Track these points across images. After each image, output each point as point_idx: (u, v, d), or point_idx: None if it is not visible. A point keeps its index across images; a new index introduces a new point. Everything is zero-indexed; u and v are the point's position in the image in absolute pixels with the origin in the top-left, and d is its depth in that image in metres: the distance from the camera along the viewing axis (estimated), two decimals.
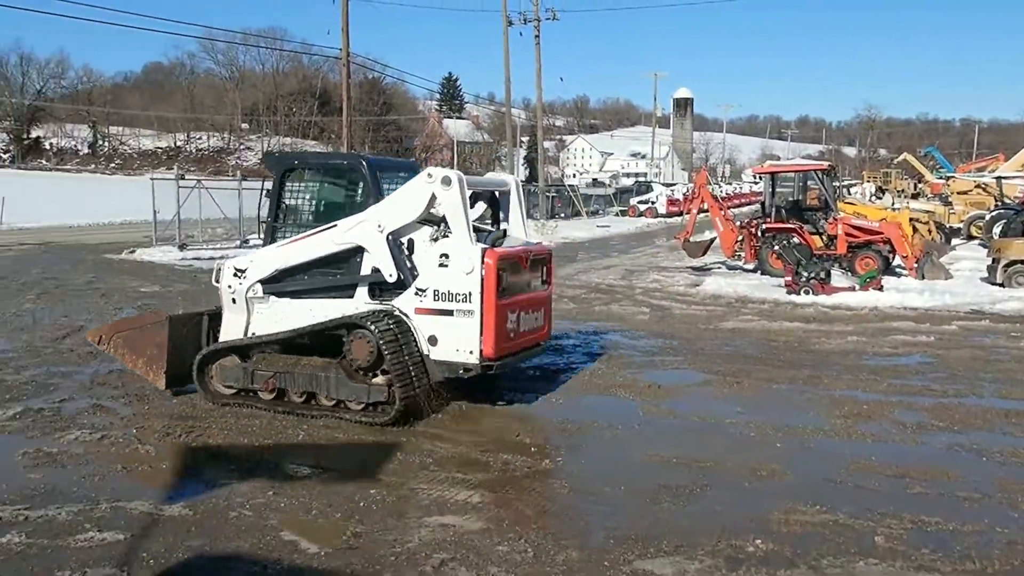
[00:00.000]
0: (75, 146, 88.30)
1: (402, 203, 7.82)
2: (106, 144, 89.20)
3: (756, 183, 55.89)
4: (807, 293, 15.79)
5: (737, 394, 8.88)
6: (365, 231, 7.86)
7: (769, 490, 6.16)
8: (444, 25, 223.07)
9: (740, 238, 20.48)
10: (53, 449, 6.93)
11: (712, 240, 21.71)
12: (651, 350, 11.13)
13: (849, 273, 18.25)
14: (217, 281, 8.52)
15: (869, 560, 4.92)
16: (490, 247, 7.72)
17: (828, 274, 16.34)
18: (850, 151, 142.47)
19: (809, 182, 21.47)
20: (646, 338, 12.02)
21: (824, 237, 19.26)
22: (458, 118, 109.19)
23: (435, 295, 7.71)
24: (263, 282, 8.32)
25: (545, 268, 8.74)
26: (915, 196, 42.22)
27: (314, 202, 8.72)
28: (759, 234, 19.94)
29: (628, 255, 26.28)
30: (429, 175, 7.75)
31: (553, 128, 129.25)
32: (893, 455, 6.87)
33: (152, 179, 25.99)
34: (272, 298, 8.36)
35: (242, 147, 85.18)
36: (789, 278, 16.37)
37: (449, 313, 7.67)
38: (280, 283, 8.33)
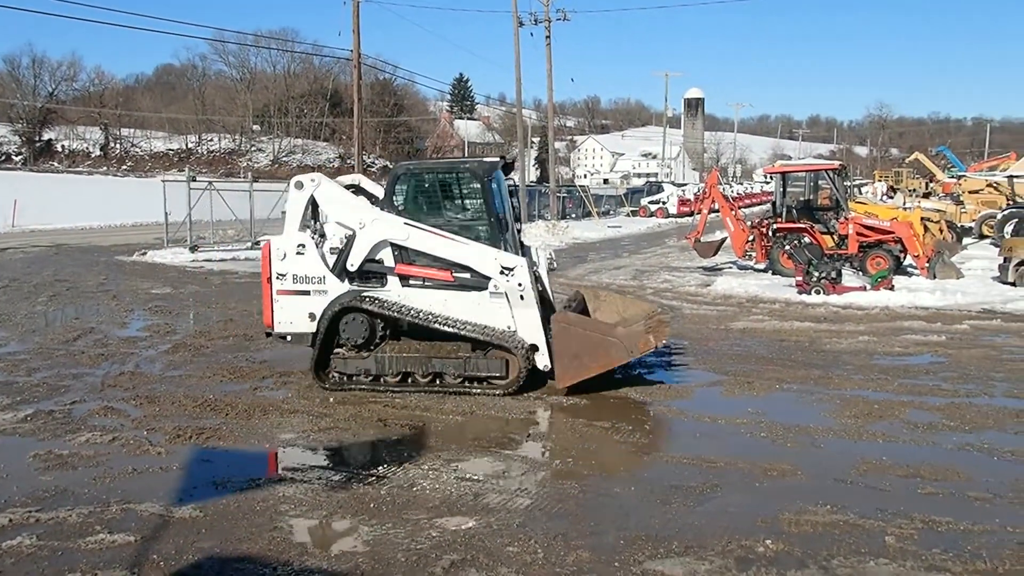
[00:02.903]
0: (87, 148, 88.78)
1: None
2: (118, 146, 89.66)
3: (767, 183, 55.65)
4: (818, 293, 15.73)
5: (748, 394, 8.86)
6: None
7: (780, 490, 6.14)
8: (455, 26, 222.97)
9: (751, 238, 20.41)
10: (64, 451, 6.97)
11: (723, 240, 21.66)
12: (662, 350, 11.08)
13: (860, 273, 18.17)
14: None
15: (880, 560, 4.90)
16: None
17: (839, 274, 16.26)
18: (861, 151, 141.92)
19: (820, 182, 21.36)
20: None
21: (835, 237, 19.18)
22: (469, 119, 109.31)
23: None
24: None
25: None
26: (927, 195, 41.88)
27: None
28: (770, 234, 19.88)
29: (639, 255, 26.24)
30: None
31: (564, 128, 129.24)
32: (904, 455, 6.84)
33: (163, 181, 26.16)
34: None
35: (253, 148, 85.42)
36: (800, 278, 16.30)
37: None
38: None
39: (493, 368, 8.77)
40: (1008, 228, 23.16)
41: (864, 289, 16.03)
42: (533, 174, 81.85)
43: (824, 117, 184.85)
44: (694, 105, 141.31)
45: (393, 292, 8.95)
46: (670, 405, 8.41)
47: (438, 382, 8.97)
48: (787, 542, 5.16)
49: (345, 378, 9.09)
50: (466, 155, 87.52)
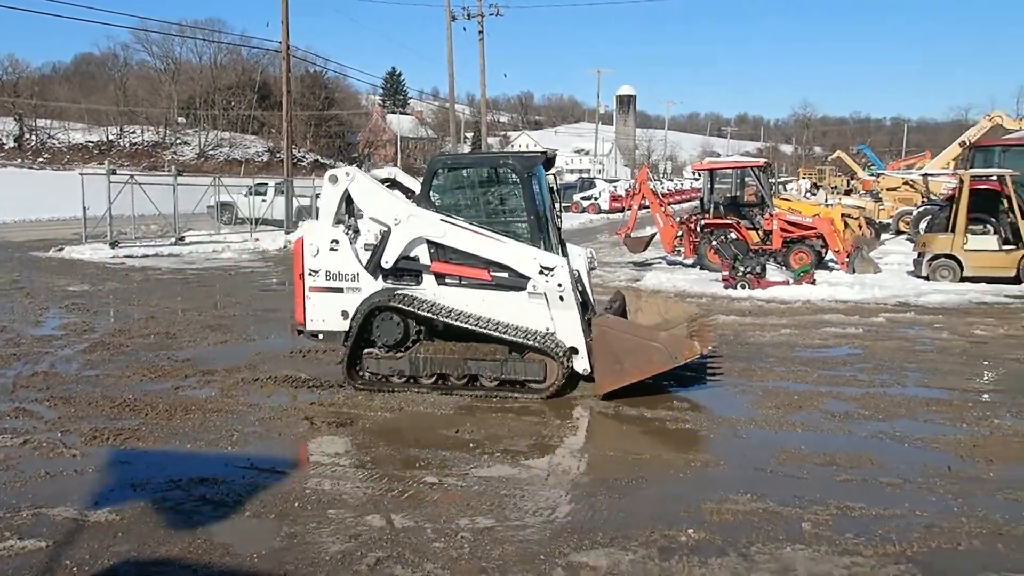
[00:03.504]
0: (0, 140, 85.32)
1: None
2: (33, 138, 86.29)
3: (696, 179, 56.65)
4: (743, 287, 16.07)
5: (673, 387, 8.98)
6: None
7: (703, 480, 6.27)
8: (388, 19, 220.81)
9: (680, 234, 20.76)
10: None
11: (653, 236, 21.97)
12: None
13: (784, 267, 18.65)
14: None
15: (796, 546, 5.04)
16: None
17: (764, 268, 16.65)
18: (787, 148, 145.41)
19: (746, 179, 21.81)
20: None
21: (760, 232, 19.62)
22: (402, 113, 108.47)
23: None
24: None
25: None
26: (848, 192, 43.19)
27: None
28: (698, 230, 20.24)
29: None
30: None
31: (498, 124, 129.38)
32: (821, 444, 7.05)
33: (82, 174, 25.22)
34: None
35: (179, 141, 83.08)
36: (726, 273, 16.65)
37: None
38: None
39: (531, 372, 8.52)
40: (923, 224, 23.98)
41: (787, 283, 16.46)
42: None
43: (752, 116, 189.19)
44: (626, 102, 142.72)
45: (428, 291, 8.73)
46: (596, 400, 8.48)
47: (474, 384, 8.71)
48: (708, 531, 5.27)
49: (377, 378, 8.86)
50: (399, 149, 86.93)
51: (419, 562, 4.89)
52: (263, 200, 31.09)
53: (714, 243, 18.71)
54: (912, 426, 7.56)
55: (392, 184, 9.58)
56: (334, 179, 8.95)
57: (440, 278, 8.73)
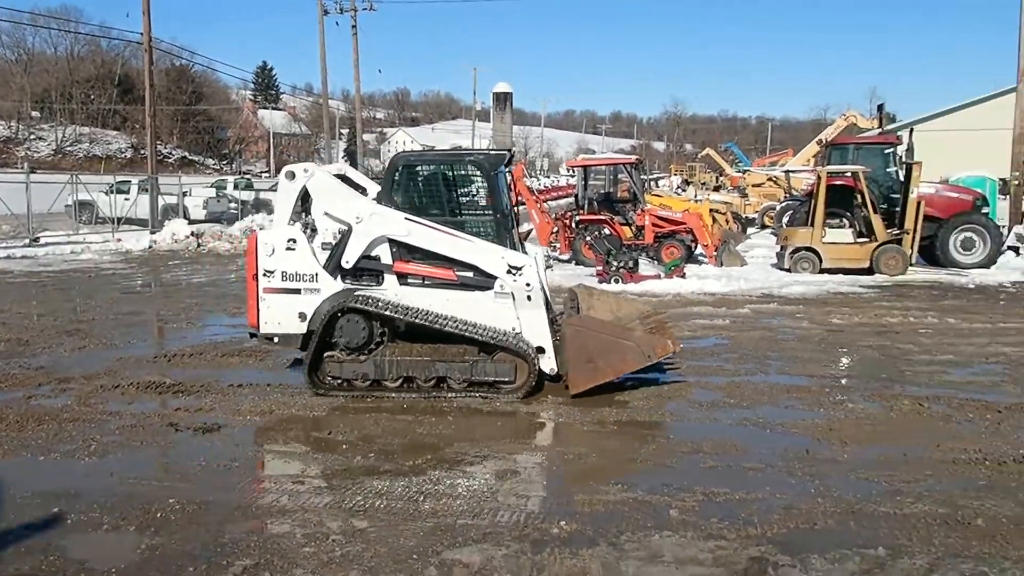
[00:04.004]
0: None
1: None
2: None
3: (571, 176, 57.58)
4: (617, 282, 16.45)
5: (546, 383, 9.09)
6: None
7: (575, 473, 6.38)
8: (258, 12, 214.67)
9: (555, 229, 21.08)
10: None
11: (529, 232, 22.16)
12: None
13: (655, 262, 19.21)
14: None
15: (664, 533, 5.19)
16: None
17: (636, 263, 17.12)
18: (659, 146, 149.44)
19: (620, 175, 22.40)
20: None
21: (633, 228, 20.14)
22: (274, 109, 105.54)
23: None
24: None
25: None
26: (716, 188, 44.92)
27: None
28: (573, 225, 20.59)
29: None
30: None
31: (374, 120, 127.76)
32: (689, 432, 7.29)
33: None
34: None
35: (32, 136, 78.24)
36: (600, 267, 17.01)
37: None
38: None
39: (501, 372, 8.33)
40: (785, 219, 25.16)
41: (659, 277, 16.96)
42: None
43: (625, 113, 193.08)
44: (503, 99, 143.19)
45: (390, 291, 8.46)
46: (472, 396, 8.46)
47: (441, 387, 8.49)
48: (580, 522, 5.36)
49: (341, 383, 8.50)
50: (271, 146, 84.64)
51: (288, 568, 4.77)
52: (126, 199, 29.74)
53: (588, 239, 19.08)
54: (774, 412, 7.91)
55: (342, 181, 9.21)
56: (291, 175, 8.60)
57: (403, 278, 8.52)
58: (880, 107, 28.62)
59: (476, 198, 8.90)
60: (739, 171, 46.44)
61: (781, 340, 11.37)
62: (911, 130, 21.69)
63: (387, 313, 8.31)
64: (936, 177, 22.28)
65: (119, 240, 26.15)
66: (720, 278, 17.02)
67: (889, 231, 18.14)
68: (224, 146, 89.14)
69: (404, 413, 7.91)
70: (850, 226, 18.68)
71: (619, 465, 6.52)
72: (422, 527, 5.33)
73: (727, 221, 23.63)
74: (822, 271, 18.02)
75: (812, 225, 18.29)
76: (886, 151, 20.23)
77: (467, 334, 8.26)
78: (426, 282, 8.53)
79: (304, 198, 8.69)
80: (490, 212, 8.68)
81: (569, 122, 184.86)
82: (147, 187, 29.62)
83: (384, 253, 8.48)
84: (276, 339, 8.63)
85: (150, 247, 24.90)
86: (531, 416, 7.89)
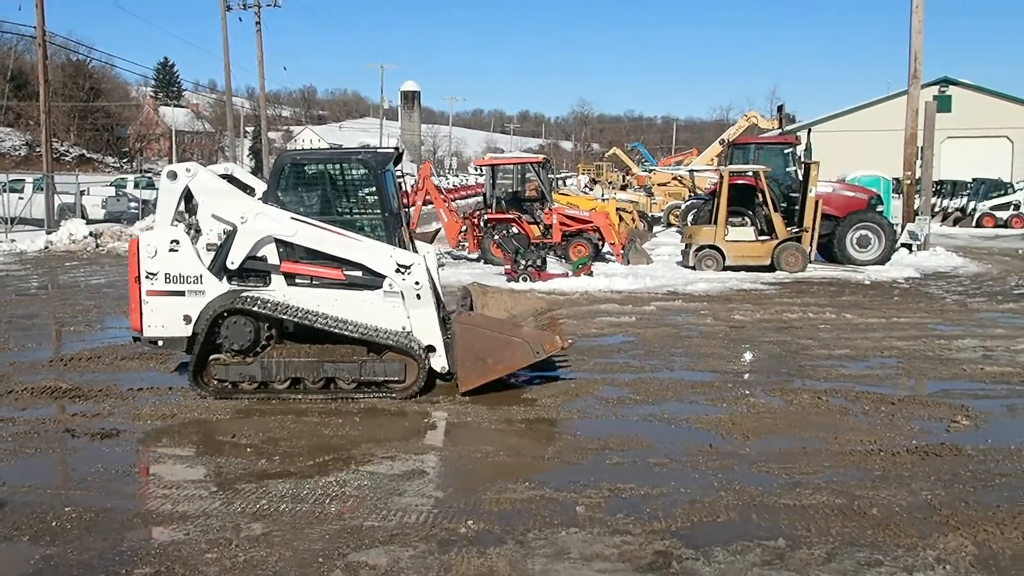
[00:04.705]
0: None
1: None
2: None
3: (480, 175, 57.64)
4: (525, 280, 16.49)
5: (448, 381, 9.03)
6: None
7: (483, 472, 6.33)
8: (158, 7, 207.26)
9: (464, 228, 21.02)
10: None
11: (437, 231, 22.05)
12: None
13: (563, 260, 19.35)
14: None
15: (571, 529, 5.19)
16: None
17: (544, 261, 17.19)
18: (567, 145, 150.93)
19: (528, 174, 22.46)
20: None
21: (541, 226, 20.25)
22: (176, 106, 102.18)
23: None
24: None
25: None
26: (623, 187, 45.58)
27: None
28: (482, 224, 20.56)
29: None
30: None
31: (280, 119, 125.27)
32: (595, 429, 7.33)
33: None
34: None
35: None
36: (509, 266, 17.02)
37: None
38: None
39: (390, 372, 8.15)
40: (690, 217, 25.70)
41: (567, 275, 17.07)
42: (248, 164, 78.26)
43: (533, 113, 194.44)
44: (410, 98, 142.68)
45: (278, 292, 8.21)
46: (379, 397, 8.34)
47: (330, 388, 8.30)
48: (488, 521, 5.32)
49: (227, 385, 8.22)
50: (174, 144, 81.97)
51: (188, 575, 4.59)
52: (20, 197, 28.45)
53: (496, 237, 19.11)
54: (679, 407, 8.03)
55: (229, 180, 8.91)
56: (173, 175, 8.34)
57: (290, 278, 8.32)
58: (780, 108, 29.66)
59: (364, 197, 8.83)
60: (645, 170, 47.35)
61: (686, 336, 11.57)
62: (809, 130, 22.51)
63: (272, 314, 8.17)
64: (833, 176, 23.09)
65: (13, 240, 24.96)
66: (627, 276, 17.24)
67: (789, 229, 18.72)
68: (124, 144, 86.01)
69: (310, 415, 7.73)
70: (752, 224, 19.19)
71: (526, 463, 6.51)
72: (328, 530, 5.20)
73: (633, 220, 24.00)
74: (725, 268, 18.45)
75: (715, 223, 18.71)
76: (786, 151, 20.84)
77: (349, 333, 8.19)
78: (314, 282, 8.39)
79: (188, 198, 8.46)
80: (378, 211, 8.62)
81: (478, 121, 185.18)
82: (42, 186, 28.35)
83: (271, 253, 8.31)
84: (160, 343, 8.38)
85: (46, 248, 23.83)
86: (439, 416, 7.82)
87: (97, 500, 5.70)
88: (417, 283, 8.20)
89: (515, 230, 19.81)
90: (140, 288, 8.26)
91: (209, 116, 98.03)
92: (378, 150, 9.11)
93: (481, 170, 32.45)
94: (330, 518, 5.40)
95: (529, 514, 5.44)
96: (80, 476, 6.22)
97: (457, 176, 74.95)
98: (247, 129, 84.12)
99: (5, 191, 28.04)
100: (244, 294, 8.24)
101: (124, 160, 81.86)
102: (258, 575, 4.63)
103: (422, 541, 5.03)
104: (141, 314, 8.28)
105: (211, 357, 8.30)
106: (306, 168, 8.80)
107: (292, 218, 8.22)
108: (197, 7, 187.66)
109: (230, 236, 8.23)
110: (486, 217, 20.51)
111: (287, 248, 8.29)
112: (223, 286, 8.28)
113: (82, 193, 31.03)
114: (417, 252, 8.70)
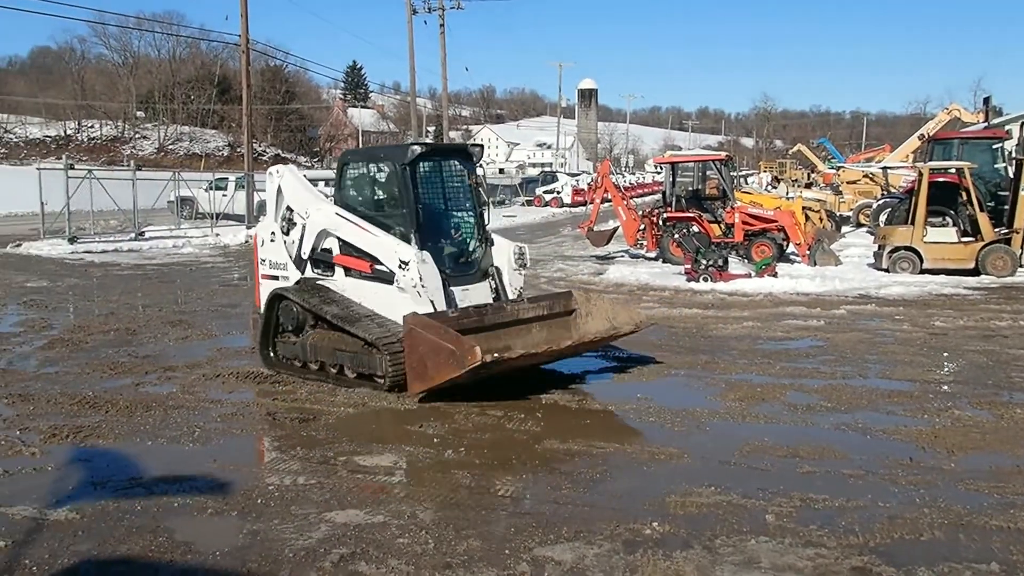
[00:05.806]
0: None
1: None
2: None
3: (658, 173, 56.97)
4: (706, 280, 16.19)
5: (637, 380, 9.04)
6: None
7: (667, 473, 6.29)
8: (348, 13, 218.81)
9: (642, 227, 20.87)
10: None
11: (615, 229, 22.04)
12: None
13: (745, 260, 18.81)
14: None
15: (760, 538, 5.08)
16: None
17: (726, 261, 16.79)
18: (748, 142, 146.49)
19: (708, 172, 22.02)
20: None
21: (722, 225, 19.79)
22: (363, 107, 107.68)
23: None
24: None
25: None
26: (808, 185, 43.68)
27: None
28: (660, 223, 20.36)
29: (533, 244, 26.38)
30: None
31: (459, 118, 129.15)
32: (784, 436, 7.11)
33: (39, 169, 24.74)
34: None
35: (137, 136, 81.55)
36: (689, 266, 16.76)
37: None
38: None
39: (374, 365, 8.35)
40: (882, 217, 24.35)
41: (749, 276, 16.60)
42: None
43: (713, 109, 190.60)
44: (588, 96, 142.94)
45: (339, 282, 8.96)
46: (562, 393, 8.49)
47: (341, 375, 8.78)
48: (673, 524, 5.29)
49: (281, 359, 9.25)
50: (360, 143, 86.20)
51: (383, 558, 4.85)
52: (224, 195, 30.80)
53: (676, 236, 18.84)
54: (874, 417, 7.66)
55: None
56: (270, 176, 9.54)
57: (347, 270, 8.96)
58: (986, 100, 27.55)
59: (393, 192, 8.99)
60: (832, 168, 45.18)
61: (880, 343, 10.99)
62: (1022, 124, 20.75)
63: (292, 299, 8.91)
64: None
65: (217, 235, 27.10)
66: (814, 278, 16.55)
67: (997, 230, 17.33)
68: (315, 144, 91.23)
69: (494, 409, 7.91)
70: (954, 225, 17.93)
71: (712, 467, 6.39)
72: (514, 523, 5.34)
73: (820, 219, 22.95)
74: (923, 271, 17.34)
75: (913, 223, 17.59)
76: (994, 146, 19.38)
77: (340, 324, 8.45)
78: (362, 274, 8.83)
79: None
80: (403, 208, 8.74)
81: (655, 118, 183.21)
82: (243, 184, 30.54)
83: (333, 246, 9.01)
84: None
85: (246, 241, 25.65)
86: (622, 415, 7.83)
87: (296, 480, 6.11)
88: (414, 280, 8.29)
89: (695, 229, 19.48)
90: (258, 271, 9.54)
91: (393, 116, 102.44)
92: (412, 144, 9.01)
93: (659, 168, 32.10)
94: (517, 511, 5.55)
95: (716, 519, 5.37)
96: (281, 456, 6.69)
97: (634, 174, 74.44)
98: (429, 128, 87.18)
99: (211, 189, 30.46)
100: (317, 282, 9.04)
101: (315, 160, 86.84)
102: (447, 562, 4.81)
103: (607, 540, 5.07)
104: (259, 293, 9.56)
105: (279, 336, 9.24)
106: (352, 165, 9.44)
107: (336, 213, 8.91)
108: (384, 12, 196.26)
109: (302, 229, 9.13)
110: (665, 215, 20.28)
111: (343, 241, 8.92)
112: (298, 274, 9.23)
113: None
114: (490, 247, 9.35)
